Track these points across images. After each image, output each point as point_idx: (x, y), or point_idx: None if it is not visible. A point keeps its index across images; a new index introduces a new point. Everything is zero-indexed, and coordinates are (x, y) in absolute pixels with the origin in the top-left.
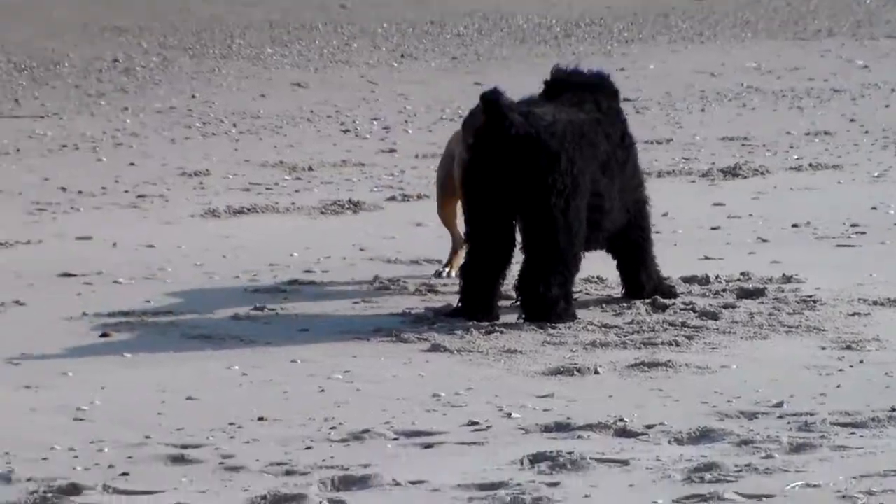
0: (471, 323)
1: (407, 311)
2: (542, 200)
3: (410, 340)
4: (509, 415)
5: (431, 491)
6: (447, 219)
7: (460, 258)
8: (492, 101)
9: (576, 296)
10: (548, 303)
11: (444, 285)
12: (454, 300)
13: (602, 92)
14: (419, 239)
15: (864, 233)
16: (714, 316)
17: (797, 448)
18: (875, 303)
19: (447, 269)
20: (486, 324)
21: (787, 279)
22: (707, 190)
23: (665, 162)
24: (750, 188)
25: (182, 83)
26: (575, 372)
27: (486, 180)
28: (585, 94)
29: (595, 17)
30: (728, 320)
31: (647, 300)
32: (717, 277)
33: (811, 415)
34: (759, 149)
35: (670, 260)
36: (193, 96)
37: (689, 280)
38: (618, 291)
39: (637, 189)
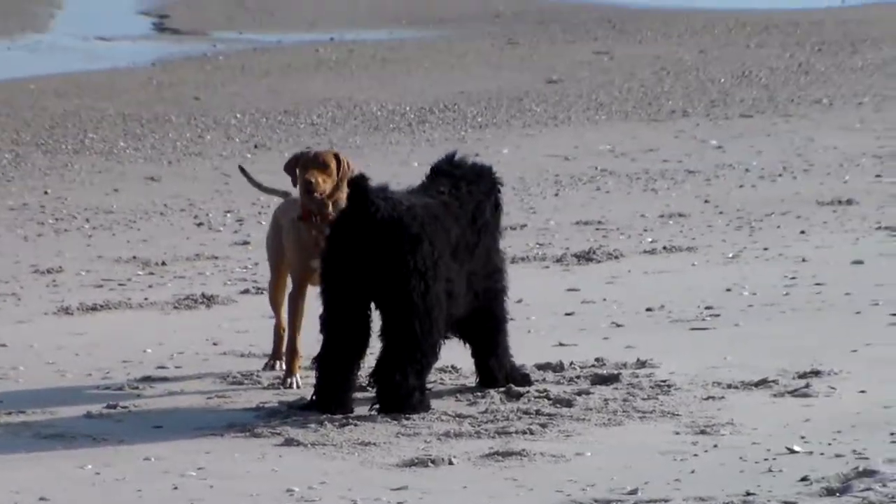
0: (325, 416)
1: (261, 405)
2: (403, 283)
3: (264, 435)
4: None
5: None
6: (278, 300)
7: (286, 348)
8: (359, 185)
9: (430, 385)
10: (403, 393)
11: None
12: (308, 393)
13: (478, 183)
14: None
15: (718, 315)
16: (568, 403)
17: None
18: (729, 386)
19: (276, 362)
20: (340, 416)
21: (642, 364)
22: (561, 275)
23: (519, 248)
24: (604, 272)
25: (35, 179)
26: (429, 463)
27: (346, 264)
28: (447, 181)
29: (449, 102)
30: (582, 407)
31: (502, 389)
32: (571, 364)
33: (666, 501)
34: (614, 232)
35: (525, 347)
36: (46, 192)
37: (543, 367)
38: (472, 381)
39: (491, 276)
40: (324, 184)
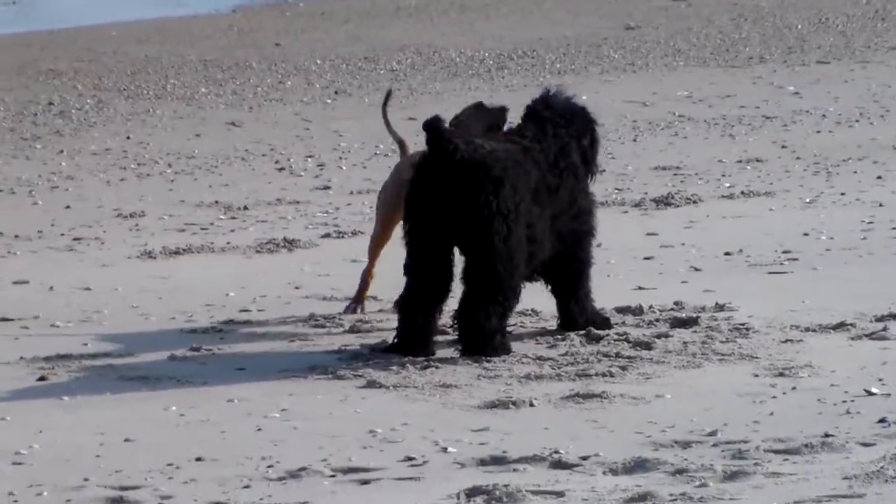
0: (406, 358)
1: (343, 347)
2: (486, 226)
3: (346, 377)
4: (445, 449)
5: None
6: (377, 253)
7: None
8: (434, 127)
9: (510, 328)
10: (485, 336)
11: (380, 321)
12: (389, 336)
13: (568, 125)
14: (355, 275)
15: (796, 259)
16: (648, 346)
17: (731, 476)
18: (807, 329)
19: (358, 307)
20: (422, 359)
21: (720, 307)
22: (640, 220)
23: (599, 193)
24: (682, 217)
25: (117, 125)
26: (510, 405)
27: (429, 207)
28: (534, 125)
29: (527, 49)
30: (662, 350)
31: (582, 332)
32: (650, 307)
33: (745, 442)
34: (692, 177)
35: (604, 290)
36: (128, 137)
37: (622, 310)
38: (552, 323)
39: (577, 217)
40: None
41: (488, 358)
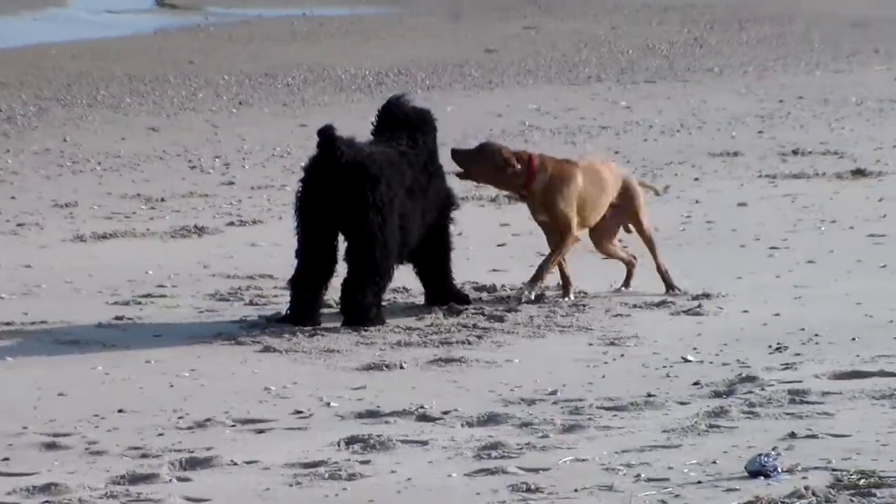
0: (296, 328)
1: (243, 318)
2: (364, 217)
3: (246, 343)
4: (328, 404)
5: (263, 469)
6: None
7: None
8: (326, 134)
9: (385, 303)
10: (363, 309)
11: (275, 296)
12: (283, 309)
13: (420, 128)
14: (254, 257)
15: (626, 247)
16: (500, 319)
17: (569, 429)
18: (634, 306)
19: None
20: (310, 328)
21: (561, 287)
22: (494, 213)
23: (460, 190)
24: None
25: (55, 128)
26: (384, 367)
27: (317, 202)
28: (402, 131)
29: (402, 67)
30: (512, 322)
31: (444, 306)
32: (502, 286)
33: (580, 400)
34: None
35: (464, 272)
36: (65, 139)
37: (479, 289)
38: (419, 299)
39: (440, 212)
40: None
41: (366, 328)
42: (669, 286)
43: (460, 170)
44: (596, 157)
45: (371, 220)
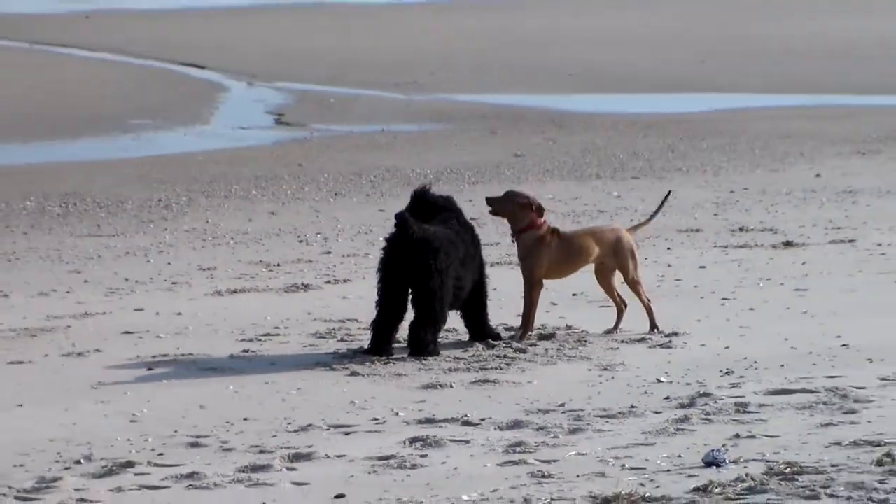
0: (375, 358)
1: (336, 351)
2: (429, 278)
3: (338, 369)
4: (397, 413)
5: (349, 461)
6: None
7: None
8: (402, 217)
9: (440, 339)
10: (425, 344)
11: (360, 335)
12: (365, 344)
13: (452, 209)
14: (345, 306)
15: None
16: (523, 351)
17: (573, 431)
18: (622, 341)
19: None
20: (385, 358)
21: (569, 328)
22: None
23: (495, 255)
24: None
25: (200, 213)
26: (438, 386)
27: (394, 266)
28: (445, 212)
29: (455, 168)
30: (532, 353)
31: (483, 342)
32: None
33: (581, 411)
34: None
35: (497, 316)
36: (207, 221)
37: (509, 329)
38: (465, 337)
39: (479, 271)
40: (495, 207)
41: (425, 358)
42: (653, 325)
43: (490, 208)
44: (602, 226)
45: (434, 280)
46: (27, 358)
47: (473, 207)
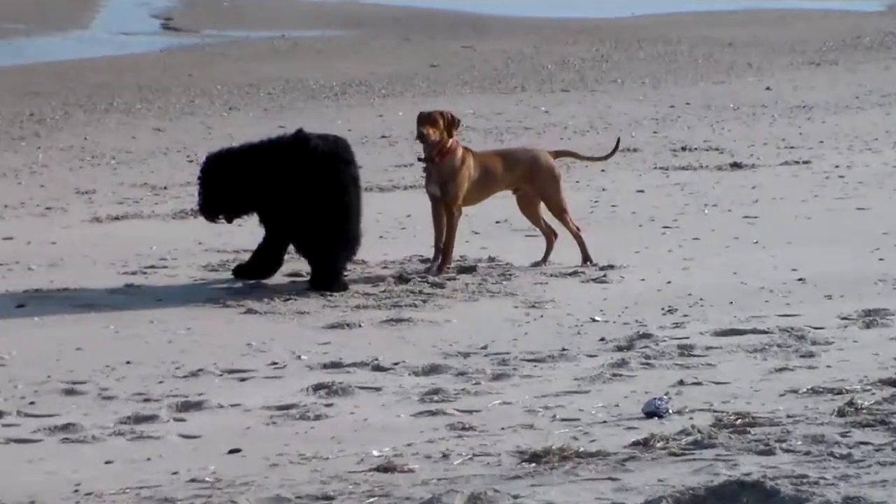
0: (274, 293)
1: (230, 286)
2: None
3: (231, 306)
4: (299, 357)
5: (245, 411)
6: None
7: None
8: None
9: (347, 273)
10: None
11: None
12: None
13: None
14: (240, 235)
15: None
16: (441, 286)
17: (497, 377)
18: (551, 275)
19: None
20: (285, 293)
21: (492, 259)
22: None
23: (410, 181)
24: None
25: (78, 129)
26: (345, 326)
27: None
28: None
29: (363, 80)
30: (450, 289)
31: (395, 275)
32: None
33: (507, 354)
34: None
35: (410, 246)
36: (86, 138)
37: (424, 261)
38: (377, 271)
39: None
40: (433, 135)
41: (331, 293)
42: (585, 257)
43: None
44: (515, 147)
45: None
46: None
47: (383, 123)
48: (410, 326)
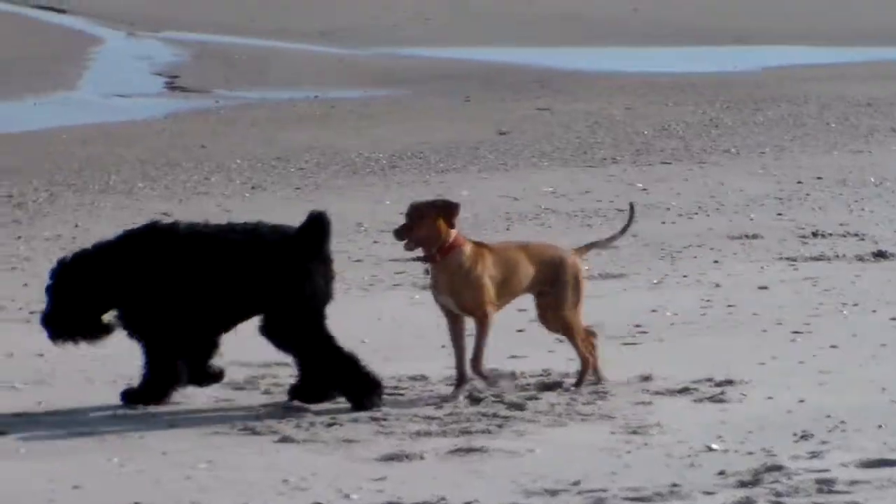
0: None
1: (259, 407)
2: None
3: (262, 433)
4: (348, 496)
5: None
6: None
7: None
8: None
9: (402, 391)
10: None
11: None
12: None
13: None
14: (270, 346)
15: (645, 332)
16: (520, 407)
17: None
18: (656, 393)
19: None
20: (327, 416)
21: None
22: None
23: None
24: None
25: (67, 214)
26: (403, 458)
27: None
28: None
29: (415, 150)
30: (532, 411)
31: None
32: (521, 373)
33: (603, 491)
34: None
35: (484, 359)
36: (76, 225)
37: (499, 376)
38: (439, 387)
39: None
40: (417, 230)
41: (385, 417)
42: (580, 380)
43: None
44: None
45: None
46: None
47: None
48: (484, 457)
